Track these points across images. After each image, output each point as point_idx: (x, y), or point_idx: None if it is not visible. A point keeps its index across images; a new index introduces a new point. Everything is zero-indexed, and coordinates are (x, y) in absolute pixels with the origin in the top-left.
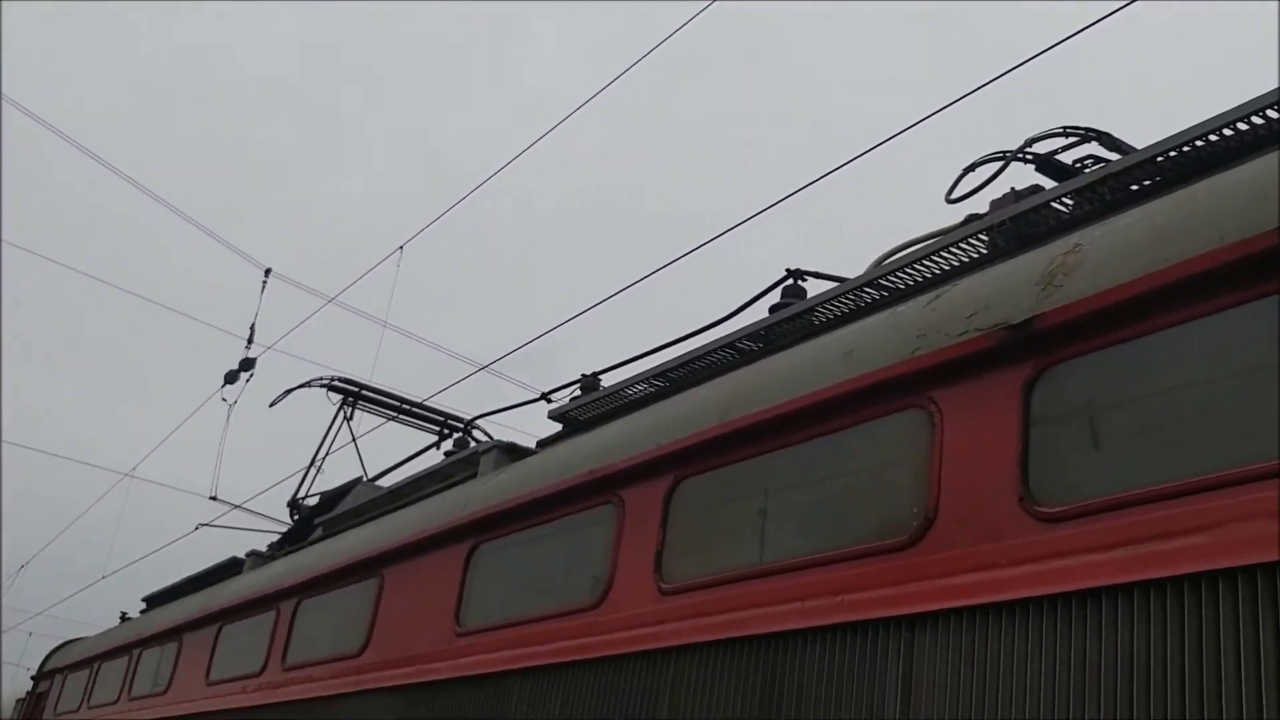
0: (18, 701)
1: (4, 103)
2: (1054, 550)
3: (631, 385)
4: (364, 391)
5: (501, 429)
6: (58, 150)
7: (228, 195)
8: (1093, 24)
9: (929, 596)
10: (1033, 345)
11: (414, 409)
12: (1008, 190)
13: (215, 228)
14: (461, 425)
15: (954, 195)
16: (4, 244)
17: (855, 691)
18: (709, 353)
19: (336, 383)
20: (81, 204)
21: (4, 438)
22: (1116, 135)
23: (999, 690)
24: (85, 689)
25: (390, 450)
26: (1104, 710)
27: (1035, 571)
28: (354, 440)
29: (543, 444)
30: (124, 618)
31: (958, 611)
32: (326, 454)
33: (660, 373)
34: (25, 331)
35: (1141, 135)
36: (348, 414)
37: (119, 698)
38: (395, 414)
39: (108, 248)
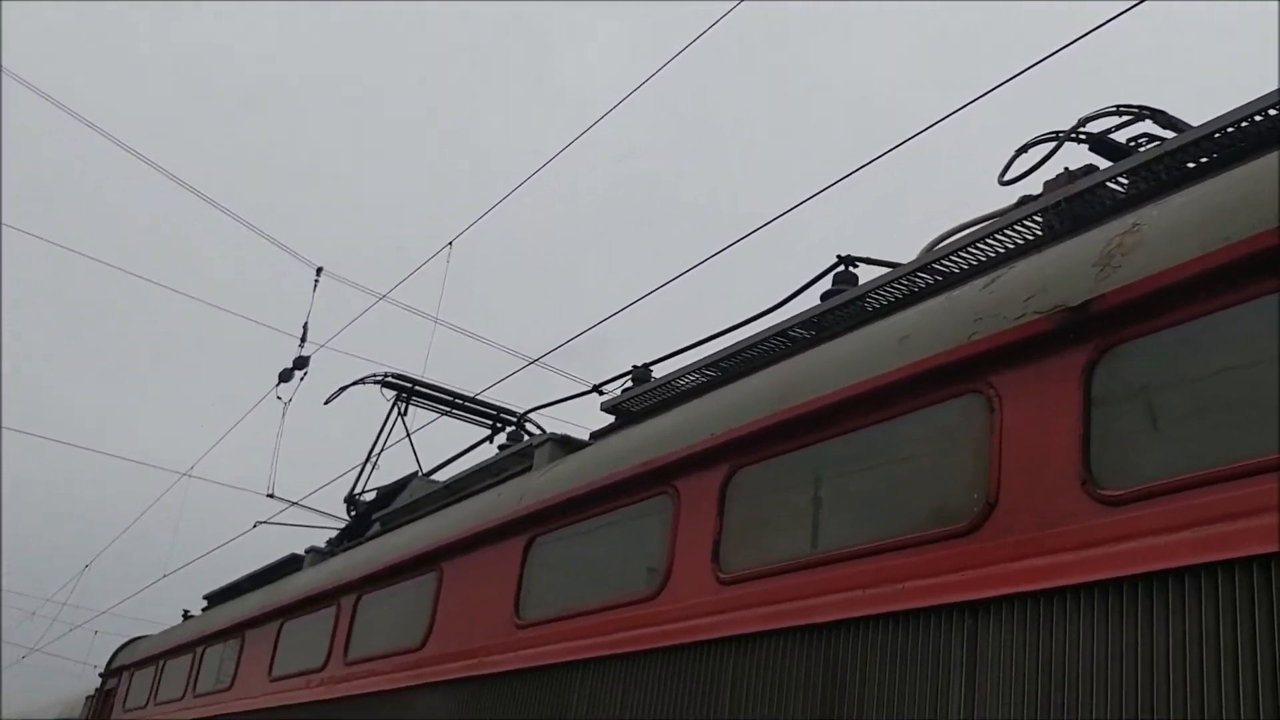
0: (87, 699)
1: (61, 110)
2: (1117, 533)
3: (683, 376)
4: (417, 387)
5: (554, 422)
6: (74, 151)
7: (273, 195)
8: (1136, 3)
9: (992, 582)
10: (1092, 327)
11: (467, 403)
12: (1061, 171)
13: (263, 228)
14: (514, 419)
15: (1007, 177)
16: (64, 252)
17: (919, 679)
18: (761, 341)
19: (390, 379)
20: (110, 204)
21: (72, 443)
22: (1170, 113)
23: (1065, 675)
24: (151, 686)
25: (444, 445)
26: (1173, 694)
27: (1099, 555)
28: (408, 435)
29: (596, 436)
30: (186, 615)
31: (1021, 597)
32: (382, 450)
33: (712, 362)
34: (87, 339)
35: (1191, 115)
36: (401, 410)
37: (184, 694)
38: (448, 409)
39: (157, 251)
